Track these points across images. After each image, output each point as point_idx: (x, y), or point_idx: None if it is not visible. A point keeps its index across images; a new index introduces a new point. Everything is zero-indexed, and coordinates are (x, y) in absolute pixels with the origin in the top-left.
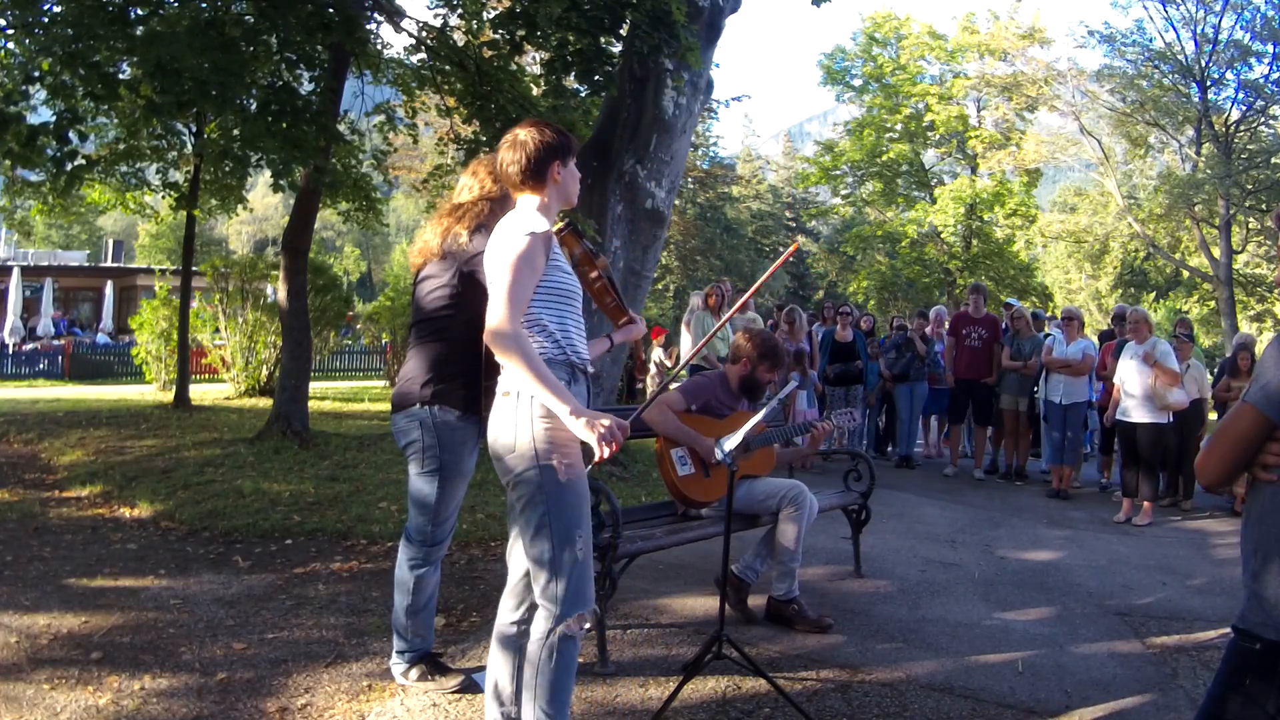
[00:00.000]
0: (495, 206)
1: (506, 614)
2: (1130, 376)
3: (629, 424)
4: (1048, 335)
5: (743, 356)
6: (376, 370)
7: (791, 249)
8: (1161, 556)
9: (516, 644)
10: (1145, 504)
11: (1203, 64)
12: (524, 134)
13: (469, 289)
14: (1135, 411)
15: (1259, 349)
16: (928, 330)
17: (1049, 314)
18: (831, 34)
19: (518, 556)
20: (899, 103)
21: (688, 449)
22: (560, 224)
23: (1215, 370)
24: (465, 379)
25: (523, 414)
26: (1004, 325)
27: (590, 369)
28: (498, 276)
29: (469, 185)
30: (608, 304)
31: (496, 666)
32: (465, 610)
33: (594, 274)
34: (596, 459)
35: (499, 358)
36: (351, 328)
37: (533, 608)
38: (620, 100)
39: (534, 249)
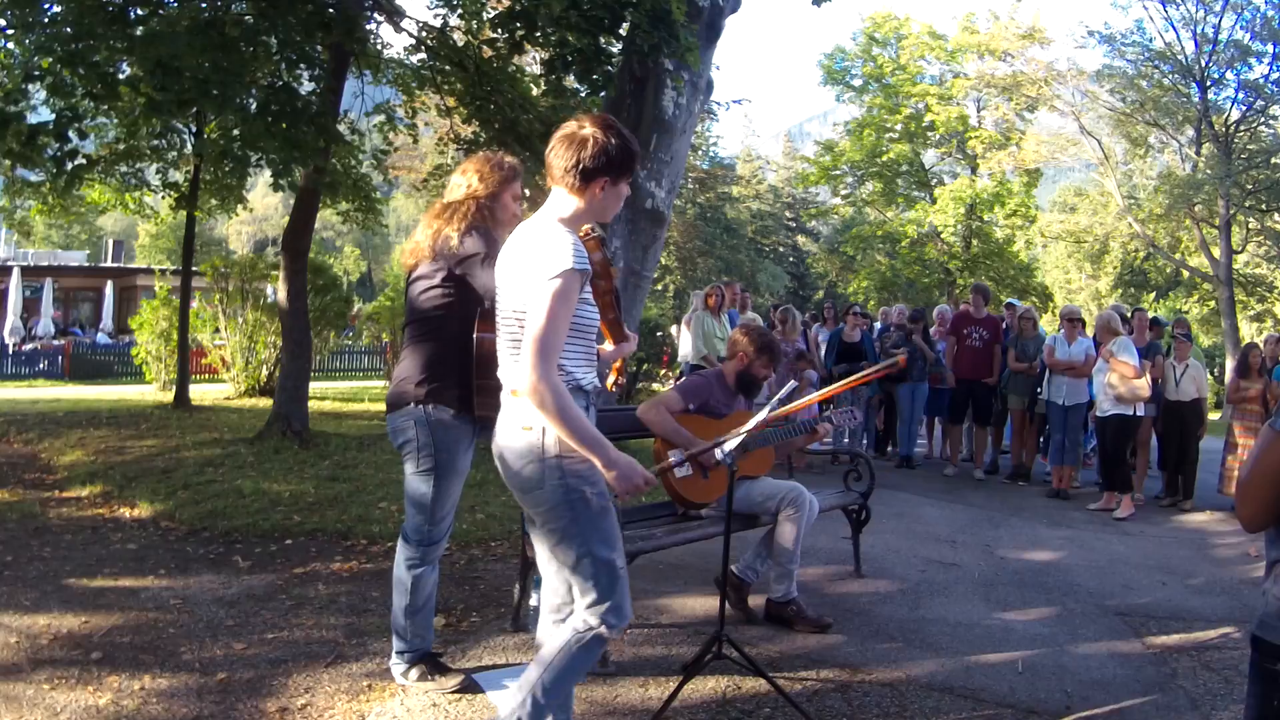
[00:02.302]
0: (486, 207)
1: (547, 623)
2: (1097, 375)
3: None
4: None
5: (739, 352)
6: (377, 370)
7: (899, 362)
8: (1161, 556)
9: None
10: (1124, 497)
11: (1203, 64)
12: (588, 131)
13: (461, 290)
14: (1103, 405)
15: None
16: (931, 330)
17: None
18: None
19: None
20: (899, 103)
21: (685, 451)
22: (588, 227)
23: (1215, 370)
24: (459, 378)
25: (549, 450)
26: (1004, 325)
27: (596, 387)
28: (531, 322)
29: (460, 184)
30: (609, 318)
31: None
32: (465, 610)
33: (605, 285)
34: (617, 499)
35: (531, 404)
36: (353, 327)
37: (561, 610)
38: (620, 100)
39: (570, 290)
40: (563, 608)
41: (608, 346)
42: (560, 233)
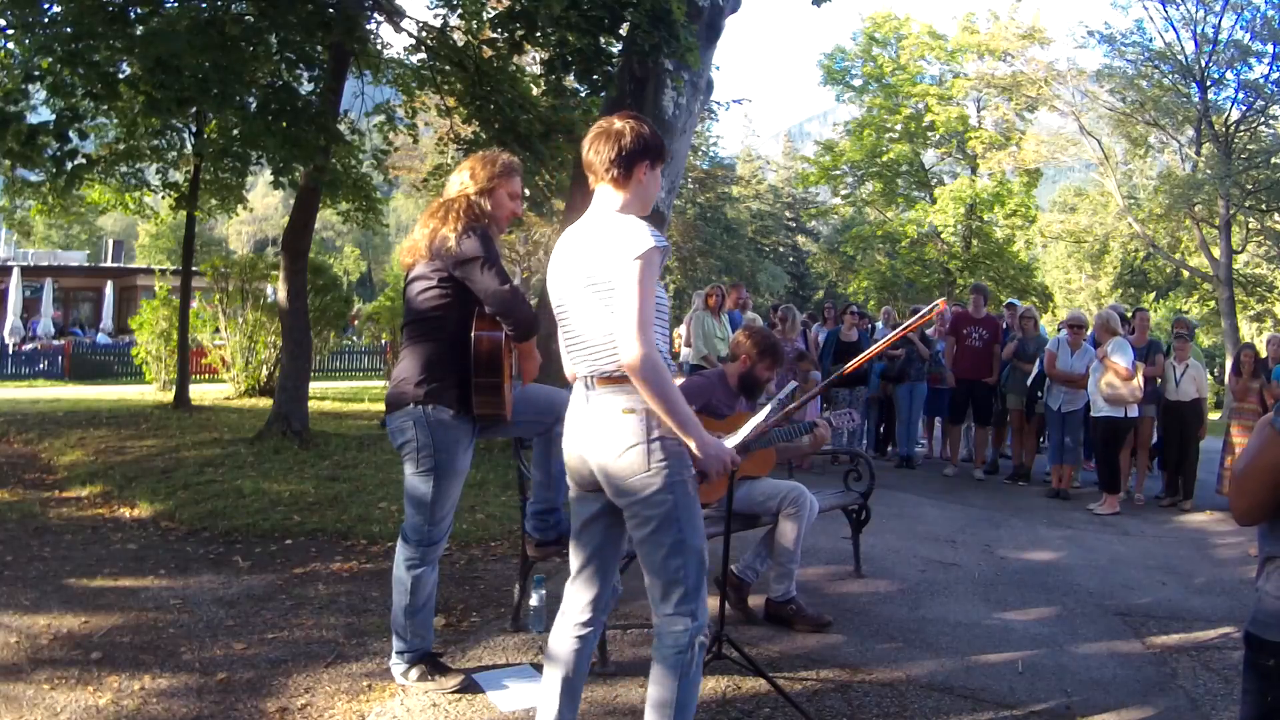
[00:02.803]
0: (480, 204)
1: (569, 634)
2: (1092, 375)
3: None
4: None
5: (742, 354)
6: (377, 370)
7: (939, 306)
8: (1161, 556)
9: (576, 655)
10: (1108, 495)
11: (1203, 64)
12: (620, 124)
13: (459, 290)
14: (1097, 404)
15: (1259, 347)
16: (930, 330)
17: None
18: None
19: (584, 582)
20: (899, 103)
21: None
22: None
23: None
24: (458, 378)
25: (652, 433)
26: (1004, 325)
27: (671, 366)
28: (625, 300)
29: (459, 183)
30: None
31: (556, 685)
32: (465, 610)
33: None
34: (703, 483)
35: (635, 380)
36: (354, 327)
37: (589, 625)
38: (620, 100)
39: (655, 266)
40: (589, 623)
41: None
42: (629, 218)
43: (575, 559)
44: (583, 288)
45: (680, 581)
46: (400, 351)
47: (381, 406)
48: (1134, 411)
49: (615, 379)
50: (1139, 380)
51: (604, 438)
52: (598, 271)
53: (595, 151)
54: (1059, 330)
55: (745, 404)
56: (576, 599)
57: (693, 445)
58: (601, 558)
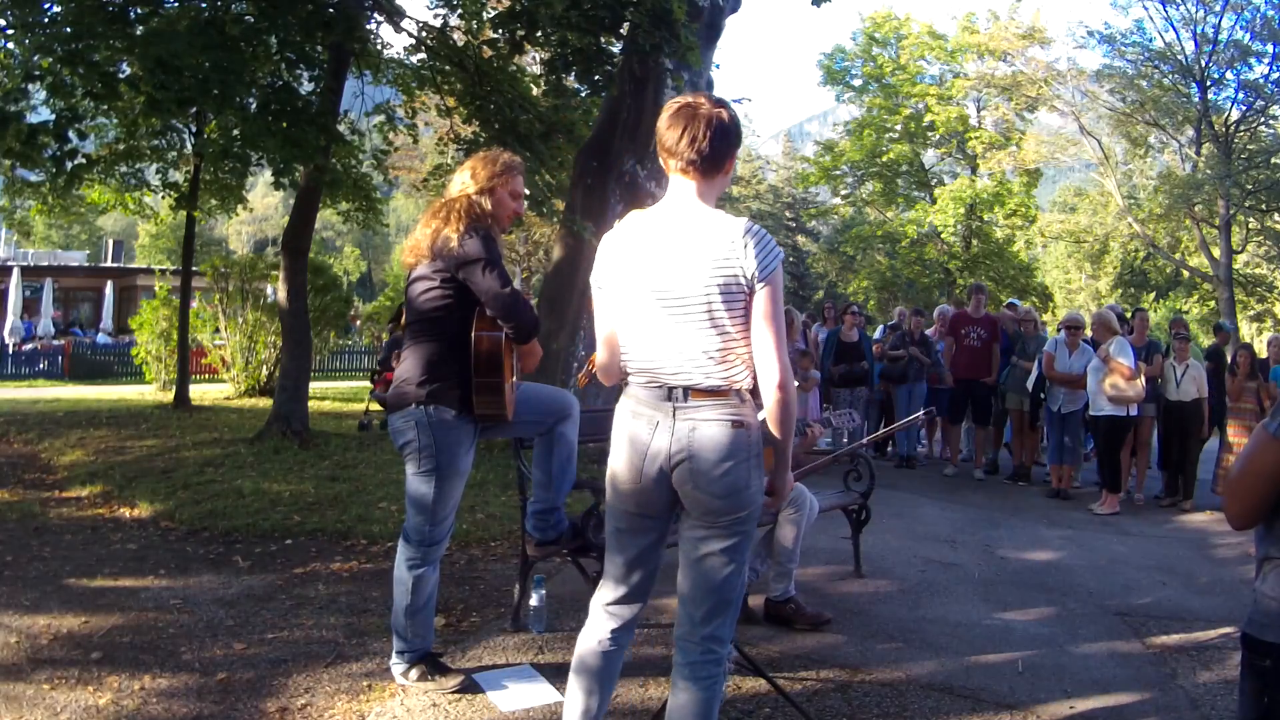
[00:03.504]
0: (481, 204)
1: (600, 635)
2: (1092, 374)
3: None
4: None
5: None
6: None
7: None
8: (1161, 556)
9: (608, 667)
10: (1108, 494)
11: (1203, 64)
12: (706, 108)
13: (461, 291)
14: (1098, 404)
15: (1259, 347)
16: (929, 331)
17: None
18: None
19: (627, 597)
20: (899, 103)
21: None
22: None
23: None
24: (460, 378)
25: (755, 450)
26: (1004, 327)
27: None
28: (766, 319)
29: (461, 183)
30: None
31: (583, 694)
32: (465, 610)
33: None
34: (770, 505)
35: (775, 405)
36: (355, 327)
37: (628, 624)
38: (620, 100)
39: (781, 279)
40: (623, 630)
41: None
42: (744, 221)
43: (620, 585)
44: (682, 294)
45: (733, 602)
46: (402, 352)
47: (376, 407)
48: (1135, 411)
49: (716, 392)
50: (1140, 381)
51: (714, 450)
52: (707, 279)
53: (686, 134)
54: (1058, 331)
55: None
56: (610, 603)
57: (785, 468)
58: (647, 582)
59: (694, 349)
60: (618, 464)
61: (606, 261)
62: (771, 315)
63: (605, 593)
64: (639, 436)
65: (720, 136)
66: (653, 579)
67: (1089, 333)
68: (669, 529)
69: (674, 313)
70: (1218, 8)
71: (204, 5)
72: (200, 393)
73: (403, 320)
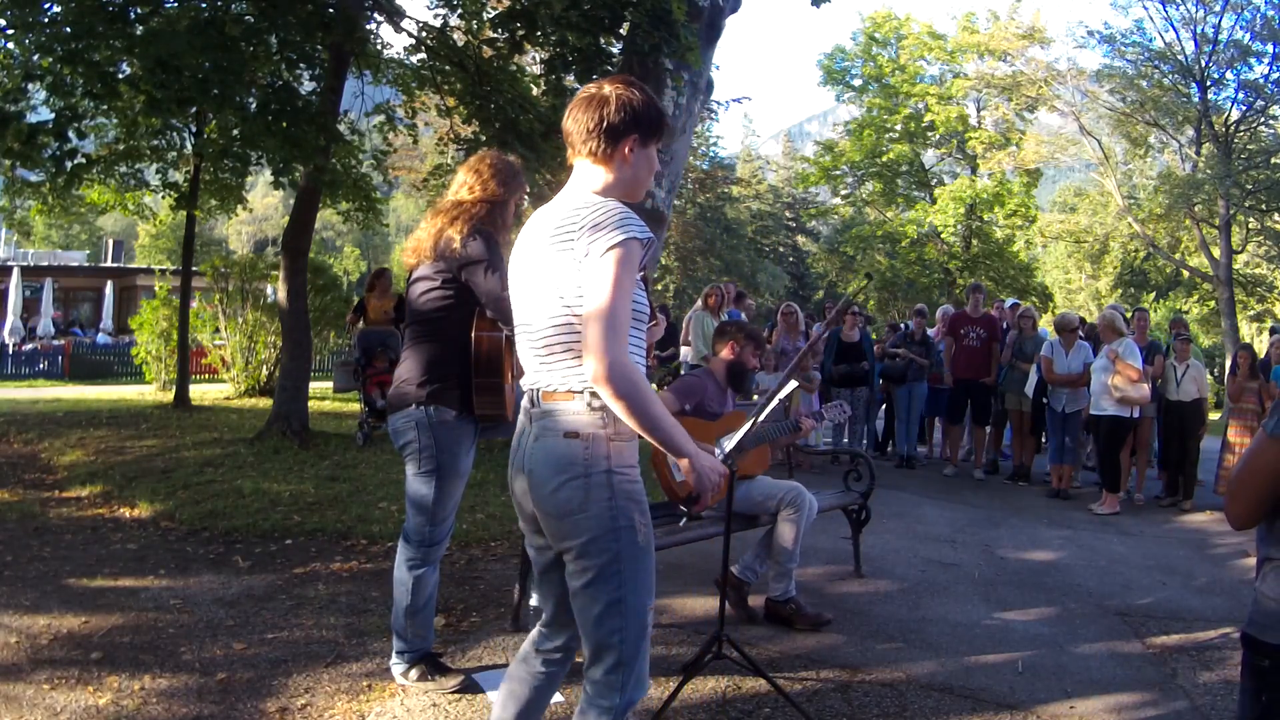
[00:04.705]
0: (492, 209)
1: (535, 652)
2: (1097, 374)
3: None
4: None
5: (727, 343)
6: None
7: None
8: (1161, 556)
9: (540, 682)
10: (1106, 494)
11: (1203, 64)
12: (609, 89)
13: (462, 291)
14: (1101, 404)
15: (1259, 348)
16: (930, 332)
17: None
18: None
19: (559, 627)
20: (899, 103)
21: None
22: None
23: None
24: (460, 379)
25: (598, 464)
26: (1004, 325)
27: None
28: (594, 301)
29: (470, 184)
30: None
31: (513, 702)
32: (465, 610)
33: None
34: (698, 509)
35: (606, 396)
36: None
37: (563, 647)
38: None
39: (633, 260)
40: (555, 651)
41: None
42: (607, 202)
43: (544, 609)
44: (538, 281)
45: (614, 647)
46: (403, 352)
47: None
48: (1138, 412)
49: (561, 394)
50: (1147, 384)
51: (542, 464)
52: (560, 263)
53: (575, 120)
54: (1057, 333)
55: (735, 401)
56: (546, 639)
57: (685, 460)
58: (558, 610)
59: (540, 344)
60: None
61: (512, 255)
62: (598, 298)
63: (543, 622)
64: (514, 447)
65: (607, 121)
66: (563, 606)
67: (1081, 335)
68: None
69: (526, 305)
70: (1218, 8)
71: (204, 5)
72: (200, 393)
73: (364, 315)
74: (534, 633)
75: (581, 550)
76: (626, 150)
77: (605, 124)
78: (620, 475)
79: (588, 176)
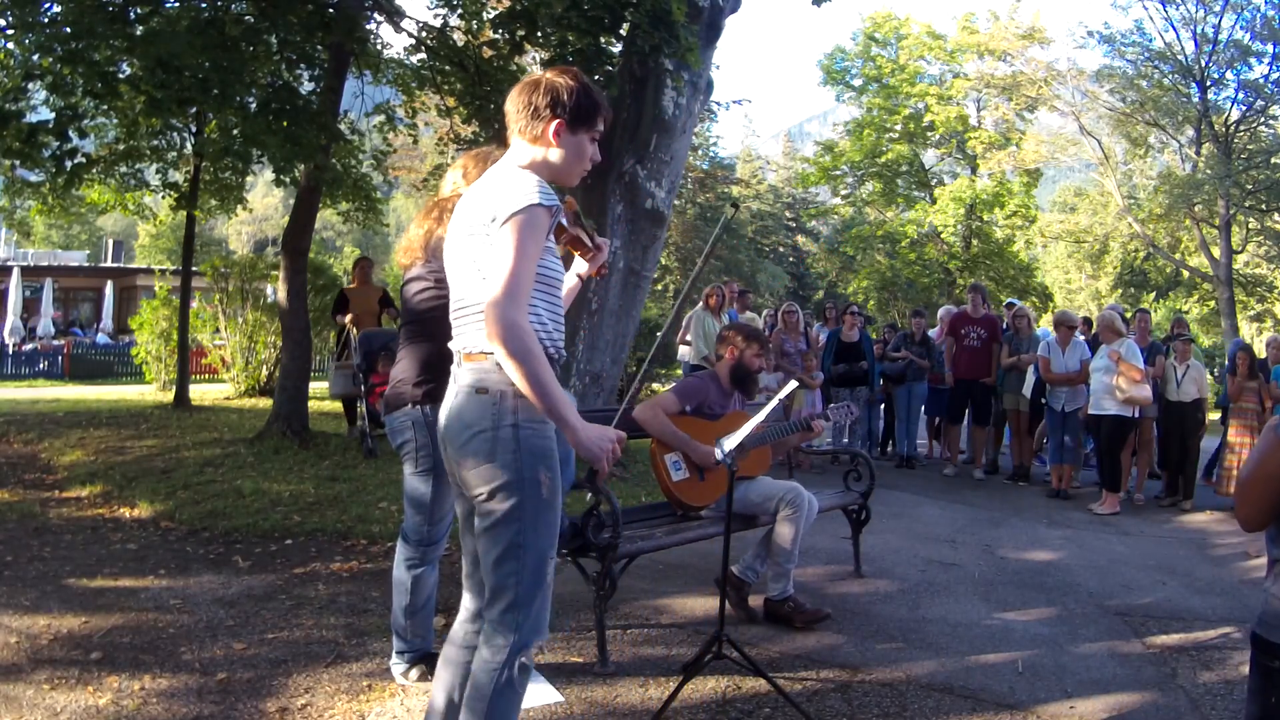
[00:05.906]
0: None
1: (465, 629)
2: (1098, 374)
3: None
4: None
5: (729, 346)
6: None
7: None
8: (1161, 556)
9: (465, 660)
10: (1106, 494)
11: (1203, 64)
12: (547, 75)
13: None
14: (1102, 403)
15: (1258, 348)
16: (931, 333)
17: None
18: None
19: (475, 585)
20: (898, 103)
21: (681, 453)
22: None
23: (1215, 370)
24: None
25: (504, 418)
26: (1004, 325)
27: (563, 356)
28: (497, 263)
29: (455, 181)
30: (574, 233)
31: (444, 684)
32: None
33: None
34: (600, 476)
35: (499, 355)
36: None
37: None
38: (620, 100)
39: (537, 226)
40: (478, 625)
41: (583, 265)
42: (521, 173)
43: (465, 560)
44: (463, 254)
45: (509, 588)
46: (399, 352)
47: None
48: (1138, 412)
49: (476, 355)
50: (1148, 384)
51: (455, 418)
52: (477, 235)
53: (511, 100)
54: (1055, 328)
55: (739, 402)
56: (469, 602)
57: (569, 428)
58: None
59: (460, 310)
60: None
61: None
62: (501, 261)
63: (465, 576)
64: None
65: (534, 105)
66: (479, 562)
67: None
68: None
69: (454, 278)
70: (1218, 8)
71: (204, 5)
72: (200, 393)
73: (349, 312)
74: (460, 613)
75: (487, 497)
76: (551, 133)
77: (533, 107)
78: (527, 430)
79: (516, 154)
